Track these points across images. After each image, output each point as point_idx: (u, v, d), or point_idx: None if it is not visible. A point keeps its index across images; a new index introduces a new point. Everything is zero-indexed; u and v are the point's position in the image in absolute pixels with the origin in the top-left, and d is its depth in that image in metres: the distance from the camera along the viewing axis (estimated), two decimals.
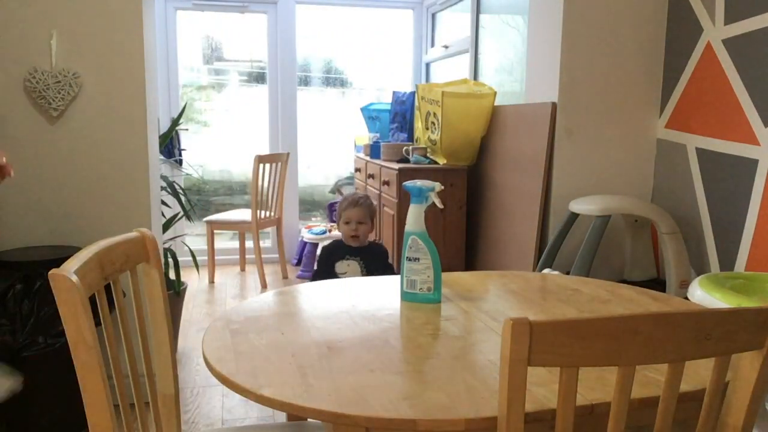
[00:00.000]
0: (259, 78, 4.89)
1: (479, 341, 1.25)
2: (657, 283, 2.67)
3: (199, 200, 4.94)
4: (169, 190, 3.27)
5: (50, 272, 1.01)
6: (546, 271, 2.59)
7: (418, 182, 1.50)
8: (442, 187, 1.52)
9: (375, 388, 1.02)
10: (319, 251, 3.97)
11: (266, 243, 4.97)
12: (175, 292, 3.03)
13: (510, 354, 0.79)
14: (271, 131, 4.85)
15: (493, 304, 1.49)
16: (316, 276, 2.41)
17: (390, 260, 2.44)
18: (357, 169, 4.42)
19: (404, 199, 3.32)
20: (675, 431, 0.92)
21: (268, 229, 4.89)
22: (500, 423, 0.84)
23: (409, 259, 1.50)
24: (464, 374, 1.08)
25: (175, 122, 3.60)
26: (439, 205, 1.51)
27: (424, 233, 1.49)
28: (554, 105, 2.71)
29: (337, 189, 4.94)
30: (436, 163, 3.47)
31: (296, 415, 1.08)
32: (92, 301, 1.17)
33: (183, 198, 3.36)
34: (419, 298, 1.50)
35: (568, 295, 1.55)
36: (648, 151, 2.81)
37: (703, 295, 1.75)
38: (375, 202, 3.83)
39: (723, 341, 0.85)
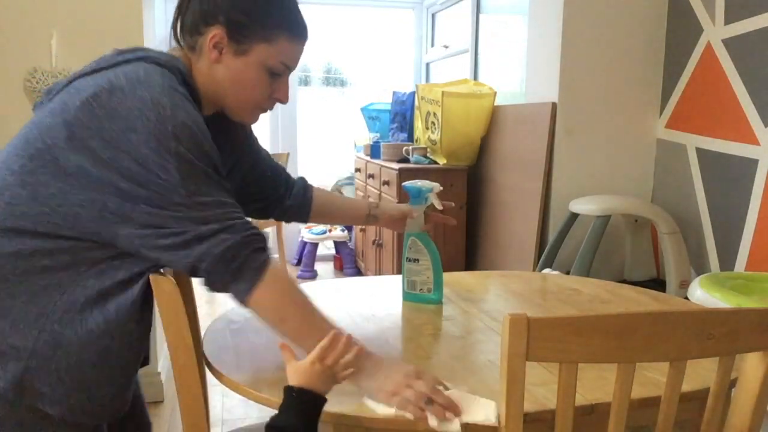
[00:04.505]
0: None
1: (479, 341, 1.25)
2: (657, 283, 2.67)
3: None
4: None
5: (152, 277, 1.01)
6: (546, 271, 2.59)
7: (418, 183, 1.50)
8: (441, 188, 1.50)
9: None
10: None
11: None
12: None
13: (509, 349, 0.80)
14: (271, 131, 4.84)
15: (494, 304, 1.49)
16: None
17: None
18: (357, 169, 4.42)
19: (404, 199, 3.31)
20: (675, 431, 0.92)
21: (268, 229, 4.89)
22: (500, 416, 0.85)
23: (409, 260, 1.50)
24: (464, 374, 1.08)
25: None
26: (438, 207, 1.49)
27: (424, 234, 1.49)
28: (554, 105, 2.71)
29: (337, 189, 4.94)
30: (436, 163, 3.47)
31: None
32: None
33: None
34: (420, 299, 1.50)
35: (568, 295, 1.55)
36: (648, 151, 2.81)
37: (703, 295, 1.75)
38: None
39: (726, 341, 0.85)
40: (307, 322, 1.01)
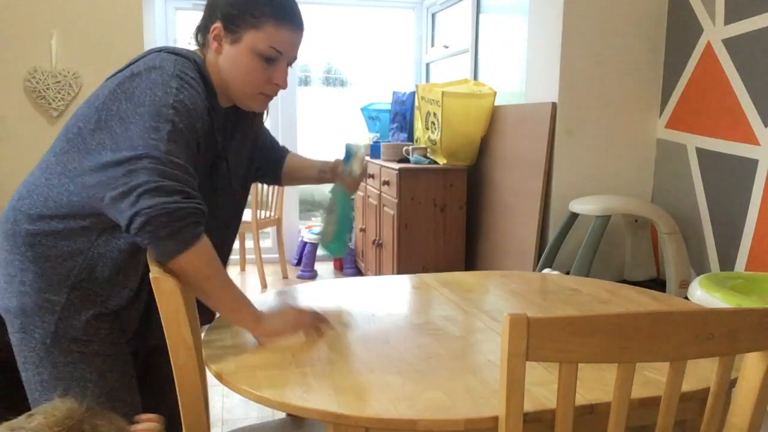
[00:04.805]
0: None
1: (479, 341, 1.25)
2: (657, 283, 2.67)
3: None
4: None
5: (151, 276, 1.07)
6: (546, 271, 2.59)
7: (357, 144, 1.55)
8: (367, 153, 1.55)
9: (375, 388, 1.02)
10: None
11: (266, 243, 4.97)
12: None
13: (509, 349, 0.80)
14: (271, 131, 4.84)
15: (493, 304, 1.49)
16: None
17: None
18: None
19: (404, 198, 3.32)
20: (675, 431, 0.92)
21: (268, 229, 4.89)
22: (500, 417, 0.85)
23: (327, 211, 1.58)
24: (464, 374, 1.08)
25: None
26: (357, 171, 1.54)
27: (344, 191, 1.55)
28: (554, 105, 2.71)
29: None
30: (436, 163, 3.47)
31: (296, 415, 1.08)
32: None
33: None
34: (324, 247, 1.58)
35: (568, 295, 1.55)
36: (648, 151, 2.81)
37: (703, 295, 1.75)
38: (375, 202, 3.84)
39: (726, 341, 0.85)
40: (227, 281, 1.18)
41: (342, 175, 1.55)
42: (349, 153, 1.54)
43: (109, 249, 1.19)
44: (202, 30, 1.28)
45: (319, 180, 1.61)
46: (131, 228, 1.06)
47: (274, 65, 1.25)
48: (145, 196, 1.05)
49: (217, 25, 1.23)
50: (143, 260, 1.20)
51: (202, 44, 1.29)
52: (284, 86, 1.29)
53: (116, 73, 1.23)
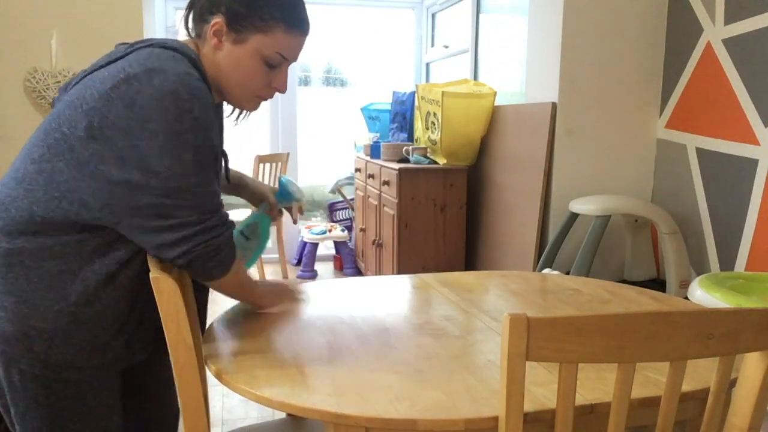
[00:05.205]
0: None
1: (479, 341, 1.25)
2: (657, 283, 2.67)
3: None
4: None
5: (152, 276, 1.05)
6: (546, 271, 2.59)
7: (293, 189, 1.56)
8: (304, 205, 1.58)
9: (375, 388, 1.02)
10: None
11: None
12: None
13: (509, 348, 0.80)
14: (271, 131, 4.85)
15: (493, 304, 1.49)
16: None
17: None
18: (357, 169, 4.42)
19: (404, 198, 3.32)
20: (675, 431, 0.92)
21: None
22: (500, 417, 0.85)
23: (243, 234, 1.53)
24: (464, 374, 1.08)
25: None
26: (293, 218, 1.61)
27: (269, 220, 1.56)
28: (554, 105, 2.71)
29: (337, 189, 4.94)
30: (436, 163, 3.47)
31: (296, 415, 1.08)
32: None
33: None
34: None
35: (568, 295, 1.55)
36: (648, 151, 2.81)
37: (703, 295, 1.75)
38: (375, 202, 3.84)
39: (726, 341, 0.85)
40: (244, 284, 1.27)
41: (276, 204, 1.54)
42: (287, 195, 1.55)
43: (105, 264, 1.08)
44: (198, 18, 1.16)
45: (229, 191, 1.53)
46: (176, 263, 1.10)
47: (277, 69, 1.19)
48: (184, 241, 1.07)
49: (219, 20, 1.13)
50: (140, 276, 1.13)
51: (198, 34, 1.17)
52: (283, 91, 1.23)
53: (97, 68, 1.11)
